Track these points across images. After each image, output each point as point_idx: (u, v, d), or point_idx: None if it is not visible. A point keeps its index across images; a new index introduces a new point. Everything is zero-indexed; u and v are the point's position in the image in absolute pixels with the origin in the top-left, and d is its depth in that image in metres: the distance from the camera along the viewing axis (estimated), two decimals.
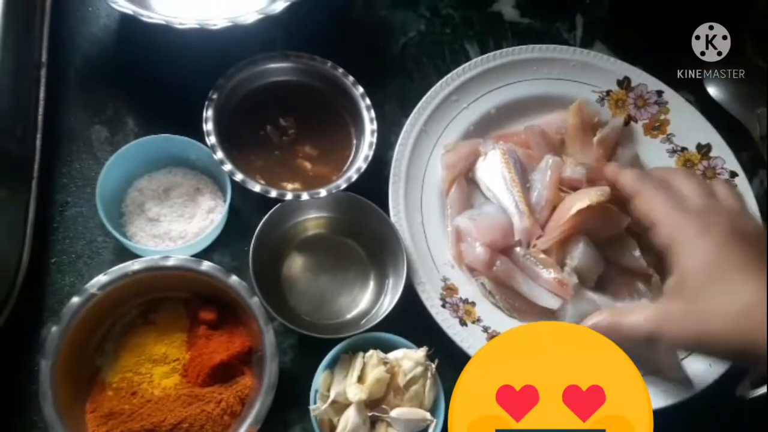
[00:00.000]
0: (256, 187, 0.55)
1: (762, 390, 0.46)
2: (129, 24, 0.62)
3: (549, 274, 0.56)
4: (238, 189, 0.56)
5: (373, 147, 0.59)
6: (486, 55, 0.64)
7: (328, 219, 0.59)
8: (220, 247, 0.58)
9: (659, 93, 0.64)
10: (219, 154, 0.55)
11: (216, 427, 0.50)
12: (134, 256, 0.54)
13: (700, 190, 0.51)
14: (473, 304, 0.57)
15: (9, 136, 0.55)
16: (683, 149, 0.63)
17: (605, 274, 0.57)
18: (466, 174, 0.61)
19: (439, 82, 0.62)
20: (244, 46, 0.60)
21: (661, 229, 0.49)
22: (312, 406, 0.50)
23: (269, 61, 0.61)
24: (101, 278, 0.51)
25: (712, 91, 0.67)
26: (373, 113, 0.60)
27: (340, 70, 0.61)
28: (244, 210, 0.59)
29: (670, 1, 0.69)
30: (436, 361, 0.52)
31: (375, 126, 0.59)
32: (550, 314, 0.57)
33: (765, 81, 0.67)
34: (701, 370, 0.55)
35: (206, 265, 0.52)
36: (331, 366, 0.52)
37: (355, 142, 0.61)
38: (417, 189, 0.60)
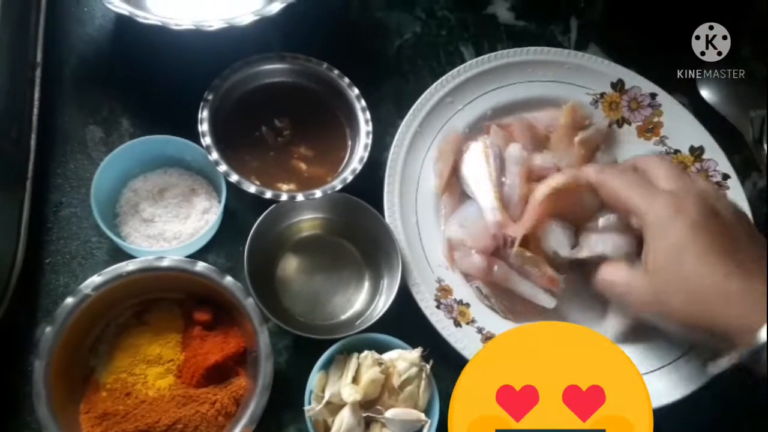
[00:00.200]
0: (251, 188, 0.55)
1: (723, 362, 0.47)
2: (124, 24, 0.62)
3: (537, 272, 0.56)
4: (233, 190, 0.56)
5: (369, 148, 0.59)
6: (481, 57, 0.64)
7: (323, 220, 0.59)
8: (215, 247, 0.58)
9: (653, 95, 0.65)
10: (214, 155, 0.55)
11: (210, 428, 0.50)
12: (129, 256, 0.54)
13: (673, 173, 0.52)
14: (468, 305, 0.57)
15: (3, 137, 0.55)
16: (676, 151, 0.63)
17: None
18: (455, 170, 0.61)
19: (434, 84, 0.62)
20: (239, 48, 0.60)
21: (634, 212, 0.51)
22: (307, 407, 0.50)
23: (265, 62, 0.61)
24: (95, 279, 0.51)
25: (706, 93, 0.67)
26: (368, 114, 0.60)
27: (336, 71, 0.61)
28: (239, 211, 0.59)
29: (665, 4, 0.69)
30: (431, 361, 0.52)
31: (370, 127, 0.60)
32: (546, 316, 0.57)
33: (760, 84, 0.67)
34: (699, 369, 0.55)
35: (201, 266, 0.52)
36: (326, 367, 0.52)
37: (350, 143, 0.61)
38: (412, 190, 0.60)
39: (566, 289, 0.57)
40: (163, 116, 0.61)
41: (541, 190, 0.56)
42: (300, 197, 0.56)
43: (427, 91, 0.62)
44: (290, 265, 0.58)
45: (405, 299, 0.55)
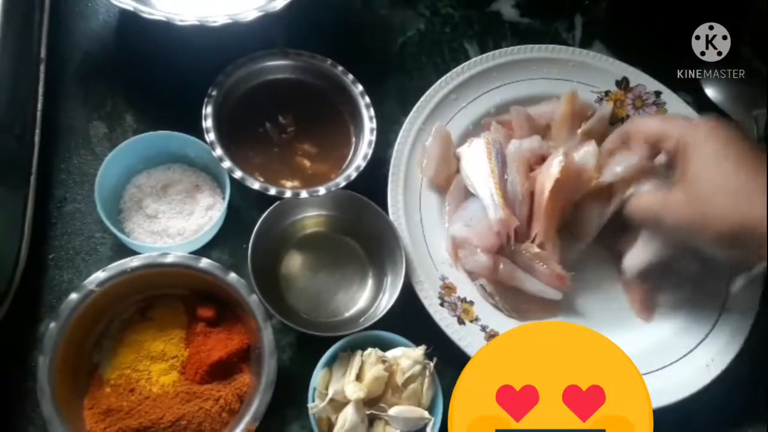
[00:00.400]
0: (255, 185, 0.55)
1: (756, 270, 0.49)
2: (128, 20, 0.62)
3: (545, 269, 0.56)
4: (237, 186, 0.56)
5: (372, 145, 0.59)
6: (485, 54, 0.64)
7: (327, 217, 0.59)
8: (219, 244, 0.58)
9: (657, 93, 0.64)
10: (218, 151, 0.55)
11: (214, 425, 0.50)
12: (132, 252, 0.54)
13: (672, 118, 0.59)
14: (471, 303, 0.57)
15: (8, 132, 0.55)
16: None
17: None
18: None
19: (439, 81, 0.62)
20: (243, 44, 0.60)
21: (671, 138, 0.53)
22: (310, 404, 0.50)
23: (269, 58, 0.61)
24: (99, 275, 0.51)
25: (710, 92, 0.67)
26: (372, 111, 0.60)
27: (340, 68, 0.61)
28: (242, 207, 0.59)
29: (669, 2, 0.69)
30: (435, 359, 0.52)
31: (374, 124, 0.60)
32: (550, 314, 0.57)
33: (763, 82, 0.67)
34: (699, 370, 0.55)
35: (205, 263, 0.52)
36: (330, 364, 0.52)
37: (354, 140, 0.61)
38: (416, 187, 0.60)
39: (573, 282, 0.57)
40: (166, 112, 0.61)
41: (545, 186, 0.56)
42: (304, 194, 0.56)
43: (431, 88, 0.62)
44: (294, 262, 0.58)
45: (408, 297, 0.55)
